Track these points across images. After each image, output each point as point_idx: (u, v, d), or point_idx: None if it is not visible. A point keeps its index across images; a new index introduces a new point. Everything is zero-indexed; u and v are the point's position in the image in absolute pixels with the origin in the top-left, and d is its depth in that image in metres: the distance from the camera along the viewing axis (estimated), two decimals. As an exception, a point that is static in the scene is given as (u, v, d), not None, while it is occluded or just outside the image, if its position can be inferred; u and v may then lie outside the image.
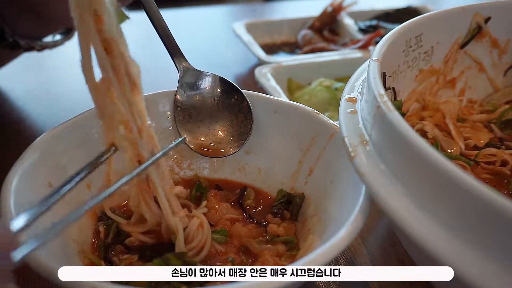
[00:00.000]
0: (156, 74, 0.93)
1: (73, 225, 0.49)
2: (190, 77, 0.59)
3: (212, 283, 0.44)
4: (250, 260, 0.50)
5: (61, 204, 0.49)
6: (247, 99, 0.58)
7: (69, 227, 0.48)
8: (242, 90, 0.59)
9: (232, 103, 0.59)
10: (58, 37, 0.77)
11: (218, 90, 0.59)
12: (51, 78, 0.95)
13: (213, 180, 0.59)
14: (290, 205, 0.55)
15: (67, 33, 0.78)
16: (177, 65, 0.58)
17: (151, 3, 0.57)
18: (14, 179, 0.45)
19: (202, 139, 0.59)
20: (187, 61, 0.59)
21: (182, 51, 0.59)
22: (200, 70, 0.59)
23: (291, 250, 0.50)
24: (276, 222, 0.53)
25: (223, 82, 0.59)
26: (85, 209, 0.40)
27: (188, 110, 0.59)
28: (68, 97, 0.89)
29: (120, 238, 0.50)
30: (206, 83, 0.59)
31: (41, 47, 0.74)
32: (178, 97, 0.59)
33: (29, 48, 0.72)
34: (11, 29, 0.68)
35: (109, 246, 0.50)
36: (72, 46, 0.83)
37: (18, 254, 0.33)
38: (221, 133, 0.59)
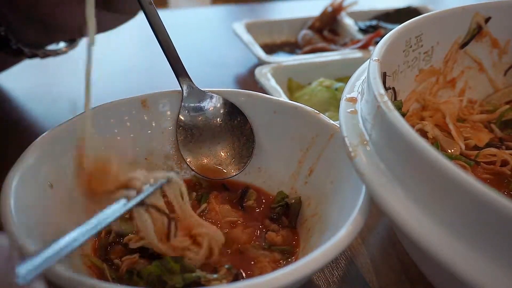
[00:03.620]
0: (156, 74, 0.93)
1: (73, 226, 0.49)
2: (193, 97, 0.59)
3: (212, 284, 0.44)
4: (250, 263, 0.49)
5: (62, 206, 0.49)
6: (250, 122, 0.59)
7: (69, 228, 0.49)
8: (242, 90, 0.59)
9: (235, 125, 0.59)
10: (62, 45, 0.78)
11: (222, 112, 0.59)
12: (51, 78, 0.95)
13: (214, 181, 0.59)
14: (288, 210, 0.55)
15: (71, 42, 0.79)
16: (181, 85, 0.59)
17: (156, 19, 0.57)
18: (14, 179, 0.45)
19: (203, 160, 0.59)
20: (191, 80, 0.59)
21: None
22: (204, 90, 0.59)
23: (287, 259, 0.50)
24: (274, 229, 0.53)
25: (226, 103, 0.59)
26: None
27: (190, 130, 0.59)
28: (68, 97, 0.89)
29: (122, 237, 0.50)
30: (209, 104, 0.59)
31: (45, 55, 0.74)
32: (180, 116, 0.59)
33: (32, 56, 0.73)
34: (15, 37, 0.68)
35: (109, 246, 0.50)
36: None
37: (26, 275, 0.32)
38: (222, 155, 0.59)
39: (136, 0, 0.56)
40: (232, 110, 0.59)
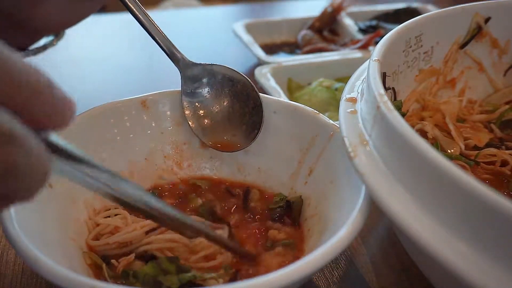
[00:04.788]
0: (156, 74, 0.93)
1: (72, 223, 0.49)
2: (191, 72, 0.58)
3: (208, 283, 0.44)
4: (255, 265, 0.49)
5: (62, 206, 0.49)
6: (252, 84, 0.57)
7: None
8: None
9: (238, 90, 0.58)
10: (49, 38, 0.78)
11: (223, 79, 0.58)
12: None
13: (215, 181, 0.59)
14: (290, 210, 0.54)
15: (57, 34, 0.79)
16: (175, 62, 0.58)
17: (136, 4, 0.56)
18: (14, 179, 0.45)
19: (216, 134, 0.58)
20: (183, 55, 0.58)
21: (179, 49, 0.58)
22: (199, 63, 0.58)
23: (291, 252, 0.50)
24: (276, 227, 0.53)
25: (225, 69, 0.58)
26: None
27: (196, 106, 0.58)
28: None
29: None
30: (208, 75, 0.58)
31: (34, 53, 0.74)
32: (184, 94, 0.58)
33: (24, 56, 0.73)
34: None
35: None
36: (70, 46, 0.83)
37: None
38: (234, 124, 0.58)
39: None
40: (232, 76, 0.58)
